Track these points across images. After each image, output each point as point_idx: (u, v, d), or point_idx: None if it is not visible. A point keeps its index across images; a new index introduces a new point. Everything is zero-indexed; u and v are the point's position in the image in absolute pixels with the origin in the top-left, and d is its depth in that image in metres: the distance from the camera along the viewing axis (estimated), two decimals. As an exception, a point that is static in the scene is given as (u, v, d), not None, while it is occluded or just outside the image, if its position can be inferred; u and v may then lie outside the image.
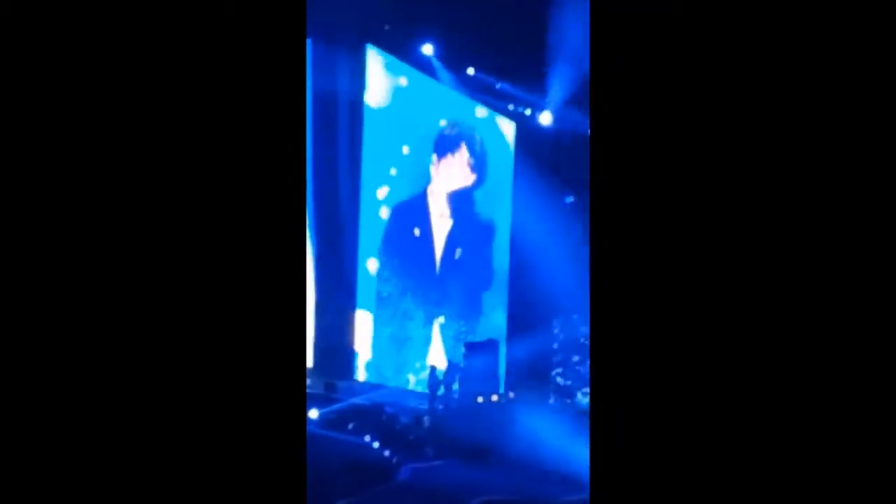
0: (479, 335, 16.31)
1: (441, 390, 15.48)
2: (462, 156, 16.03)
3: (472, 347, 15.84)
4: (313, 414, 14.61)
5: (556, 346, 15.72)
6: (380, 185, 16.74)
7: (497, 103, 15.80)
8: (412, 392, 16.46)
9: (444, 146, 16.25)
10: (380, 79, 16.49)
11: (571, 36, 13.51)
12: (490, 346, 15.93)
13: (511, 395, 15.54)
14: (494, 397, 15.38)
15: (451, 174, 16.19)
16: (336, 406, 14.87)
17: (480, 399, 15.27)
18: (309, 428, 14.07)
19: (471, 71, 15.47)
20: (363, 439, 14.22)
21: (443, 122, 16.29)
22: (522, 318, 16.09)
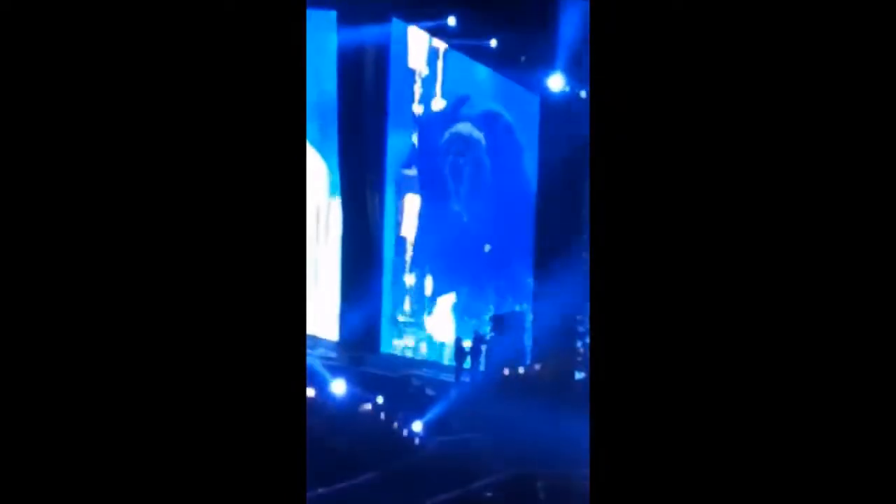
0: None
1: (467, 363, 15.53)
2: None
3: (497, 320, 15.84)
4: (340, 387, 14.72)
5: (579, 317, 15.68)
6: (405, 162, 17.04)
7: (521, 75, 15.75)
8: (438, 364, 16.54)
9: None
10: (404, 49, 16.59)
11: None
12: (516, 318, 15.91)
13: (537, 367, 15.55)
14: (521, 370, 15.42)
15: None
16: (363, 379, 14.96)
17: (507, 371, 15.31)
18: (333, 402, 14.26)
19: (494, 43, 15.41)
20: (389, 412, 14.34)
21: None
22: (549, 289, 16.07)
